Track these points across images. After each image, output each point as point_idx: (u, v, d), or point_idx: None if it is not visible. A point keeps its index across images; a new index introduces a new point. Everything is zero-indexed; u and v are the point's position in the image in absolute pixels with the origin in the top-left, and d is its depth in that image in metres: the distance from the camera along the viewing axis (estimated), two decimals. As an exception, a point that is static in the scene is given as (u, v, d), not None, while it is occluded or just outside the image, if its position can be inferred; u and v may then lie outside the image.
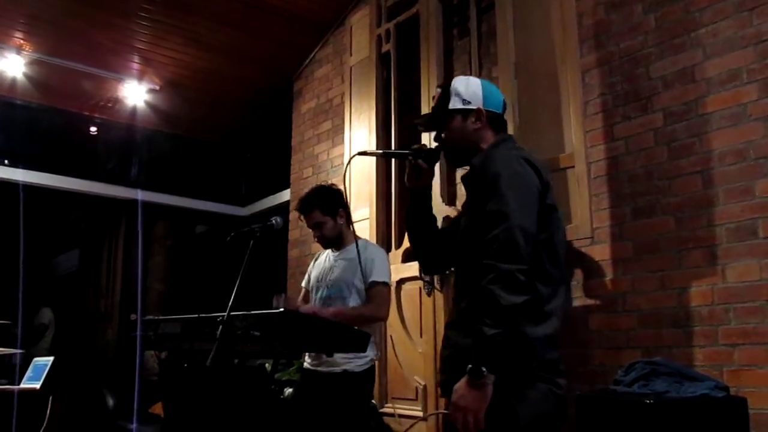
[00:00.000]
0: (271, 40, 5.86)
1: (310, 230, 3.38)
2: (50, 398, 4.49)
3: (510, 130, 3.62)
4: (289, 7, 5.47)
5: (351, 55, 5.24)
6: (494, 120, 2.16)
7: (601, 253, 3.43)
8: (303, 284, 3.53)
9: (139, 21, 5.50)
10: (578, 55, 3.57)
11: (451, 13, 4.52)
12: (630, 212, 3.34)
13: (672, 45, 3.27)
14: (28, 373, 4.68)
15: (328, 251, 3.41)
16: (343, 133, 5.24)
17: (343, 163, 5.21)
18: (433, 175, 2.26)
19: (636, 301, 3.25)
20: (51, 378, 4.53)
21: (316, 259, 3.52)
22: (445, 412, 1.89)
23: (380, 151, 2.32)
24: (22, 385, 4.57)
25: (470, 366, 1.74)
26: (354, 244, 3.29)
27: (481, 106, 2.12)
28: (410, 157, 2.21)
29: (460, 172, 3.61)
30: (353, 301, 3.17)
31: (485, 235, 1.83)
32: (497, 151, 2.06)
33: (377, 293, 3.15)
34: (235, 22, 5.56)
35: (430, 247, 2.28)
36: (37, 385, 4.47)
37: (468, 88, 2.14)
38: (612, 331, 3.32)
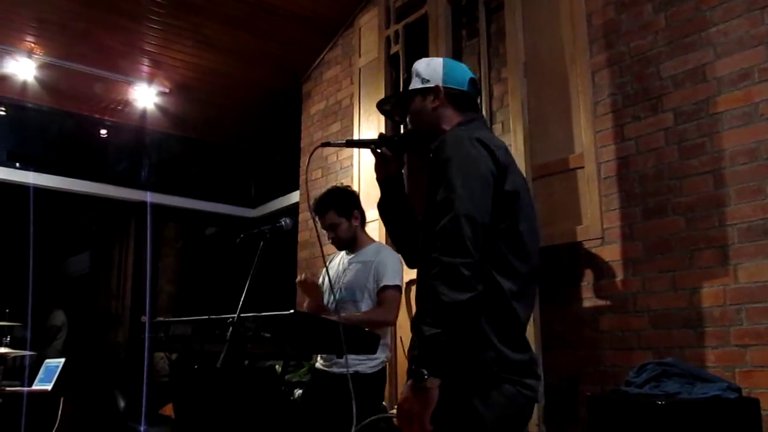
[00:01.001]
0: (280, 42, 5.87)
1: (321, 232, 3.37)
2: (61, 399, 4.52)
3: (519, 131, 3.66)
4: (298, 9, 5.48)
5: (360, 56, 5.24)
6: (456, 98, 1.98)
7: (611, 253, 3.41)
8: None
9: (149, 24, 5.53)
10: (588, 54, 3.56)
11: (460, 14, 4.52)
12: (640, 212, 3.33)
13: (682, 44, 3.26)
14: (40, 374, 4.71)
15: (342, 253, 3.41)
16: (352, 134, 5.24)
17: (352, 165, 5.21)
18: (401, 164, 2.11)
19: (647, 302, 3.23)
20: (62, 379, 4.55)
21: (330, 262, 3.52)
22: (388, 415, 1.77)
23: (344, 141, 2.18)
24: (34, 387, 4.59)
25: (412, 367, 1.62)
26: (368, 247, 3.29)
27: (439, 84, 1.96)
28: (374, 146, 2.08)
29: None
30: (365, 305, 3.17)
31: (435, 225, 1.67)
32: (452, 132, 1.88)
33: (387, 297, 3.14)
34: (244, 24, 5.58)
35: (409, 239, 2.10)
36: (49, 387, 4.50)
37: (428, 66, 2.01)
38: (623, 332, 3.30)
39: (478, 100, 2.26)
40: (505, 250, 1.75)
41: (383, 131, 4.71)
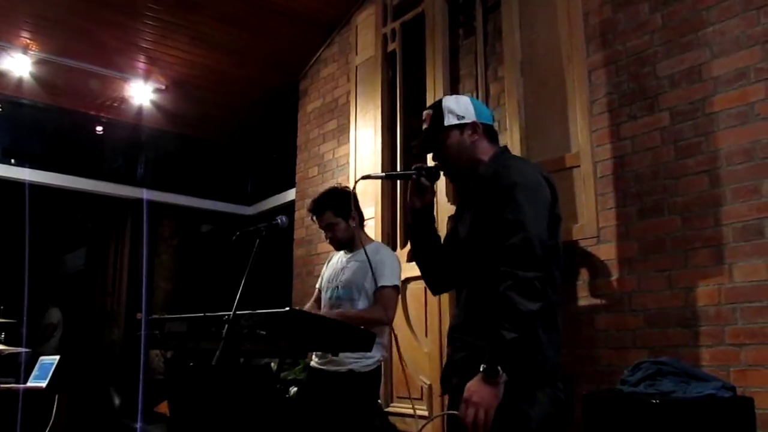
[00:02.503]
0: (276, 40, 5.87)
1: (316, 230, 3.38)
2: (56, 397, 4.50)
3: (516, 129, 3.67)
4: (295, 6, 5.47)
5: (357, 54, 5.24)
6: (488, 131, 2.22)
7: (607, 252, 3.42)
8: (317, 285, 3.53)
9: (145, 20, 5.52)
10: (584, 54, 3.56)
11: (457, 12, 4.52)
12: (636, 212, 3.33)
13: (679, 44, 3.26)
14: (35, 371, 4.69)
15: (341, 253, 3.41)
16: (348, 132, 5.24)
17: (348, 162, 5.20)
18: (434, 193, 2.30)
19: (642, 301, 3.24)
20: (57, 377, 4.54)
21: (329, 260, 3.52)
22: (453, 412, 1.90)
23: (383, 174, 2.35)
24: (29, 384, 4.58)
25: (485, 365, 1.81)
26: (366, 247, 3.29)
27: (475, 119, 2.18)
28: (414, 176, 2.24)
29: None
30: (362, 304, 3.17)
31: (501, 242, 1.90)
32: (508, 160, 2.15)
33: (384, 296, 3.15)
34: (240, 21, 5.57)
35: (436, 266, 2.31)
36: (43, 384, 4.48)
37: (459, 104, 2.21)
38: (618, 331, 3.31)
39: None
40: (552, 265, 1.96)
41: (379, 136, 4.71)
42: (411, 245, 2.39)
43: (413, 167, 2.28)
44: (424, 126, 2.26)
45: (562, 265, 2.06)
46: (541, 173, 2.07)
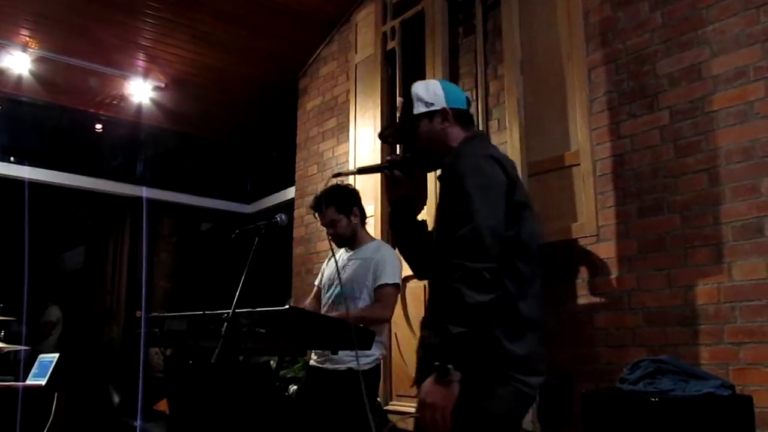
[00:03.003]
0: (276, 38, 5.87)
1: (316, 229, 3.38)
2: (56, 395, 4.51)
3: (515, 128, 3.67)
4: (295, 4, 5.47)
5: (356, 52, 5.23)
6: (460, 116, 2.14)
7: (606, 251, 3.42)
8: (316, 282, 3.53)
9: (145, 18, 5.51)
10: (584, 52, 3.55)
11: (457, 11, 4.51)
12: (636, 210, 3.33)
13: (678, 42, 3.26)
14: (34, 369, 4.69)
15: (342, 250, 3.41)
16: (348, 130, 5.23)
17: (348, 161, 5.20)
18: (412, 183, 2.22)
19: (642, 300, 3.24)
20: (56, 374, 4.54)
21: (329, 258, 3.52)
22: (415, 415, 1.85)
23: (355, 170, 2.30)
24: (28, 382, 4.58)
25: (437, 363, 1.76)
26: (368, 245, 3.30)
27: (444, 106, 2.11)
28: (385, 170, 2.20)
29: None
30: (363, 301, 3.18)
31: (453, 235, 1.84)
32: (464, 148, 2.06)
33: (384, 294, 3.15)
34: (240, 19, 5.57)
35: (420, 254, 2.24)
36: (43, 382, 4.48)
37: (428, 90, 2.14)
38: (617, 330, 3.31)
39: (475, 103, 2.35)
40: (511, 255, 1.89)
41: (378, 132, 4.71)
42: (393, 237, 2.34)
43: (385, 160, 2.25)
44: (398, 115, 2.23)
45: (531, 254, 1.96)
46: (497, 159, 1.96)
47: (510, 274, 1.88)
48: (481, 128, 4.11)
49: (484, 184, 1.88)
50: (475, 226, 1.80)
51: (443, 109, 2.10)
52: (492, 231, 1.81)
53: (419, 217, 2.29)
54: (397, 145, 2.37)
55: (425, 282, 4.10)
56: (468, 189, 1.86)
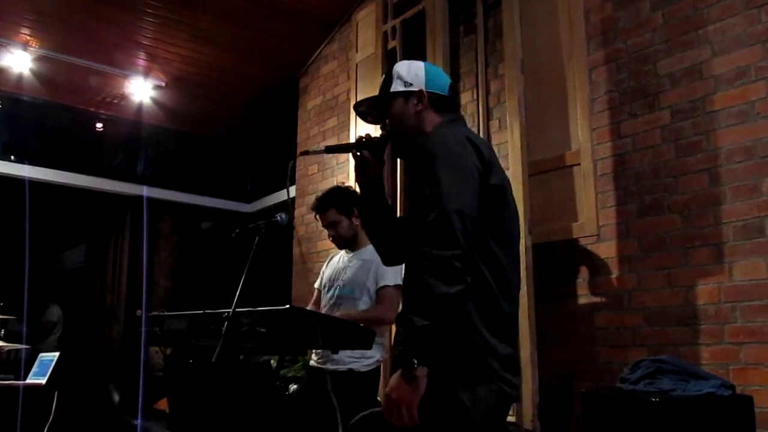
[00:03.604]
0: (277, 37, 5.86)
1: (316, 228, 3.38)
2: (56, 394, 4.51)
3: (516, 127, 3.66)
4: (295, 3, 5.46)
5: (357, 51, 5.23)
6: (438, 102, 2.02)
7: (607, 250, 3.42)
8: (315, 285, 3.52)
9: (145, 17, 5.51)
10: (585, 51, 3.55)
11: (458, 10, 4.51)
12: (636, 210, 3.33)
13: (679, 42, 3.26)
14: (34, 368, 4.70)
15: (342, 252, 3.41)
16: (348, 129, 5.23)
17: (348, 161, 5.20)
18: (381, 165, 2.13)
19: (642, 299, 3.24)
20: (57, 373, 4.54)
21: (329, 260, 3.52)
22: (377, 410, 1.80)
23: (323, 148, 2.21)
24: (28, 381, 4.58)
25: (401, 358, 1.64)
26: (369, 246, 3.29)
27: (423, 88, 2.00)
28: (354, 149, 2.10)
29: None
30: (364, 303, 3.17)
31: (423, 220, 1.70)
32: (436, 130, 1.94)
33: (386, 296, 3.15)
34: (240, 18, 5.56)
35: (388, 239, 2.16)
36: (43, 381, 4.49)
37: (410, 70, 2.03)
38: (618, 329, 3.31)
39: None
40: (490, 242, 1.79)
41: (380, 132, 4.71)
42: (360, 218, 2.23)
43: (356, 139, 2.14)
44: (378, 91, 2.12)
45: (510, 239, 1.87)
46: (471, 140, 1.84)
47: (487, 262, 1.77)
48: (481, 128, 4.12)
49: (455, 165, 1.75)
50: (442, 210, 1.66)
51: (420, 92, 1.99)
52: (461, 215, 1.67)
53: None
54: (371, 123, 2.25)
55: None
56: (437, 171, 1.73)
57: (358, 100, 2.24)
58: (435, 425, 1.69)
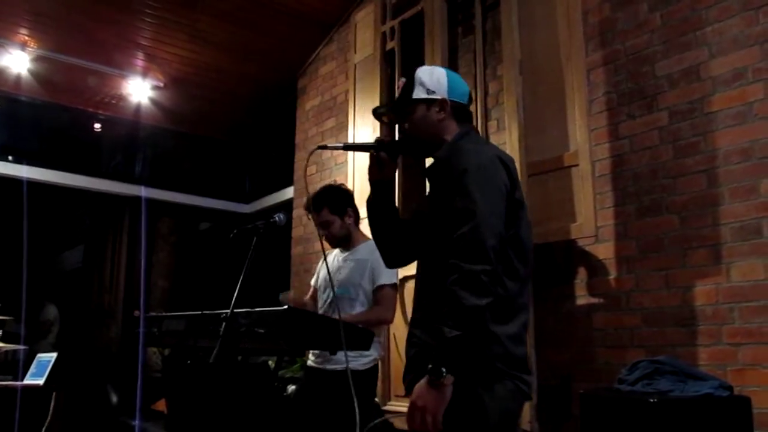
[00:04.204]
0: (275, 37, 5.86)
1: (314, 228, 3.38)
2: (54, 394, 4.50)
3: (514, 128, 3.67)
4: (294, 4, 5.46)
5: (355, 52, 5.23)
6: (458, 111, 2.07)
7: (605, 251, 3.42)
8: (311, 282, 3.53)
9: (144, 18, 5.51)
10: (583, 53, 3.55)
11: (456, 11, 4.51)
12: (634, 211, 3.34)
13: (678, 43, 3.26)
14: (32, 369, 4.69)
15: (336, 251, 3.41)
16: (347, 130, 5.23)
17: (346, 161, 5.20)
18: (395, 167, 2.19)
19: (640, 300, 3.24)
20: (54, 374, 4.54)
21: (324, 259, 3.52)
22: (401, 413, 1.85)
23: (341, 144, 2.24)
24: (26, 381, 4.57)
25: (430, 366, 1.71)
26: (363, 245, 3.29)
27: (445, 96, 2.04)
28: (372, 150, 2.13)
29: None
30: (359, 302, 3.17)
31: (452, 232, 1.77)
32: (465, 144, 1.99)
33: (384, 296, 3.15)
34: (239, 18, 5.56)
35: (392, 240, 2.21)
36: (41, 381, 4.48)
37: (432, 77, 2.06)
38: (616, 330, 3.31)
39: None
40: (511, 255, 1.86)
41: (378, 134, 4.71)
42: (368, 218, 2.27)
43: (375, 140, 2.18)
44: (397, 95, 2.15)
45: (527, 254, 1.93)
46: (499, 156, 1.92)
47: (509, 274, 1.85)
48: (479, 128, 4.11)
49: (488, 183, 1.82)
50: (476, 226, 1.74)
51: (443, 100, 2.03)
52: (494, 233, 1.76)
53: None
54: (388, 126, 2.30)
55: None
56: (470, 186, 1.80)
57: (378, 105, 2.27)
58: (454, 425, 1.76)
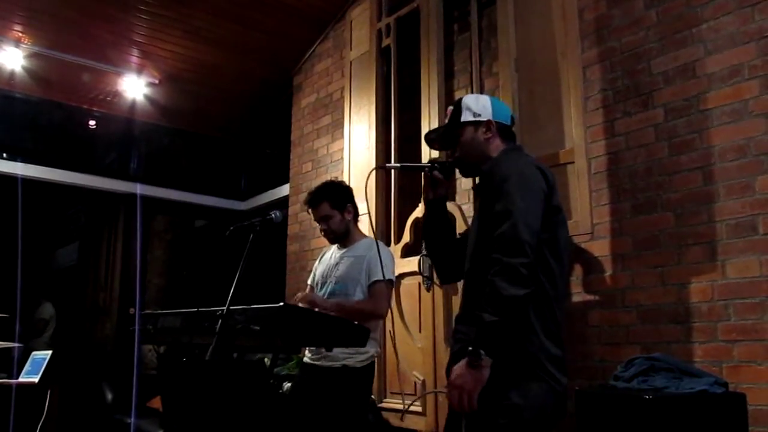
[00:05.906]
0: (270, 34, 5.85)
1: (310, 226, 3.38)
2: (49, 392, 4.49)
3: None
4: (289, 0, 5.45)
5: (351, 49, 5.22)
6: (503, 131, 2.30)
7: (600, 248, 3.42)
8: (309, 281, 3.53)
9: (139, 14, 5.49)
10: (579, 50, 3.56)
11: (452, 8, 4.51)
12: (630, 208, 3.34)
13: (673, 40, 3.26)
14: (27, 366, 4.68)
15: (334, 248, 3.41)
16: (342, 127, 5.23)
17: (342, 158, 5.19)
18: (449, 186, 2.43)
19: (636, 297, 3.24)
20: (49, 372, 4.53)
21: (321, 256, 3.52)
22: (441, 390, 2.01)
23: (399, 165, 2.57)
24: (21, 379, 4.56)
25: (470, 348, 1.86)
26: (361, 242, 3.29)
27: (491, 118, 2.27)
28: (427, 170, 2.34)
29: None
30: (357, 298, 3.17)
31: (494, 232, 1.94)
32: (504, 156, 2.22)
33: (378, 290, 3.16)
34: (234, 15, 5.55)
35: (447, 256, 2.39)
36: (36, 379, 4.47)
37: (478, 102, 2.30)
38: (611, 327, 3.32)
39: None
40: (547, 255, 2.03)
41: (375, 131, 4.71)
42: (423, 235, 2.49)
43: (429, 160, 2.38)
44: (446, 120, 2.37)
45: (562, 255, 2.09)
46: (537, 165, 2.11)
47: (545, 273, 2.00)
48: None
49: (526, 186, 2.01)
50: (514, 223, 1.91)
51: (488, 121, 2.26)
52: (530, 229, 1.92)
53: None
54: (437, 151, 2.64)
55: (419, 280, 4.12)
56: (509, 189, 1.99)
57: (430, 130, 2.65)
58: (490, 417, 1.91)
